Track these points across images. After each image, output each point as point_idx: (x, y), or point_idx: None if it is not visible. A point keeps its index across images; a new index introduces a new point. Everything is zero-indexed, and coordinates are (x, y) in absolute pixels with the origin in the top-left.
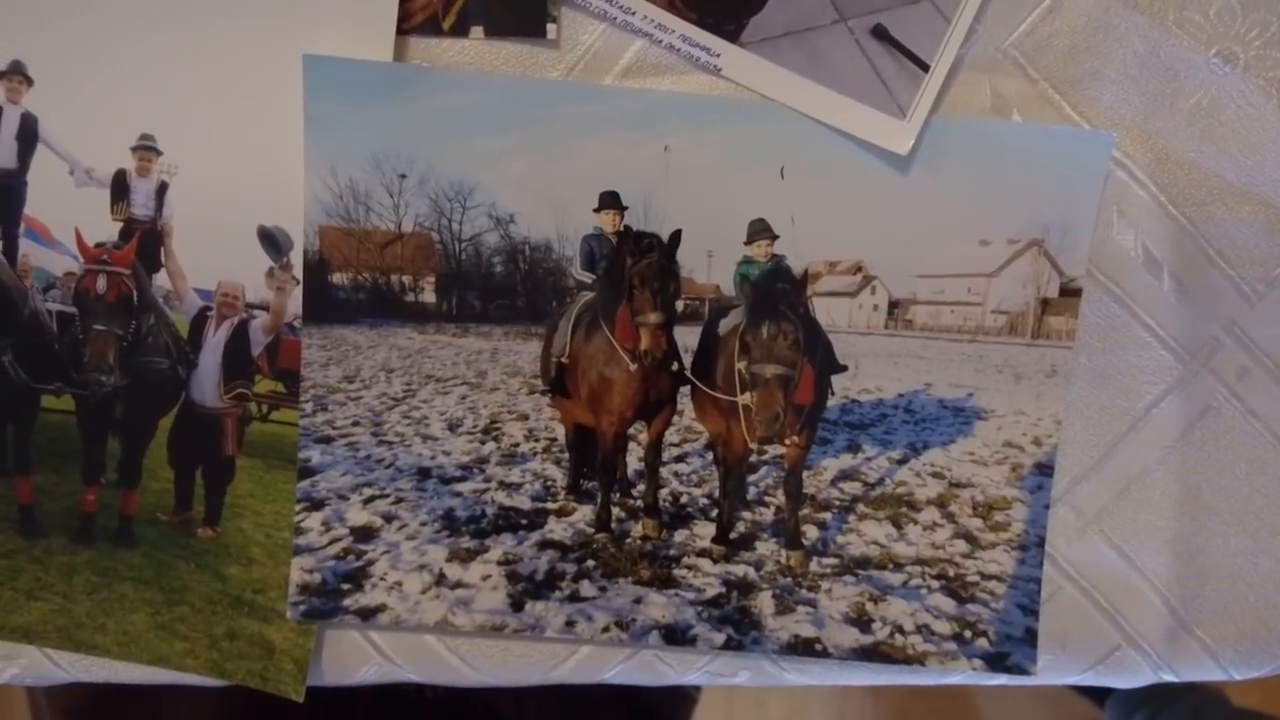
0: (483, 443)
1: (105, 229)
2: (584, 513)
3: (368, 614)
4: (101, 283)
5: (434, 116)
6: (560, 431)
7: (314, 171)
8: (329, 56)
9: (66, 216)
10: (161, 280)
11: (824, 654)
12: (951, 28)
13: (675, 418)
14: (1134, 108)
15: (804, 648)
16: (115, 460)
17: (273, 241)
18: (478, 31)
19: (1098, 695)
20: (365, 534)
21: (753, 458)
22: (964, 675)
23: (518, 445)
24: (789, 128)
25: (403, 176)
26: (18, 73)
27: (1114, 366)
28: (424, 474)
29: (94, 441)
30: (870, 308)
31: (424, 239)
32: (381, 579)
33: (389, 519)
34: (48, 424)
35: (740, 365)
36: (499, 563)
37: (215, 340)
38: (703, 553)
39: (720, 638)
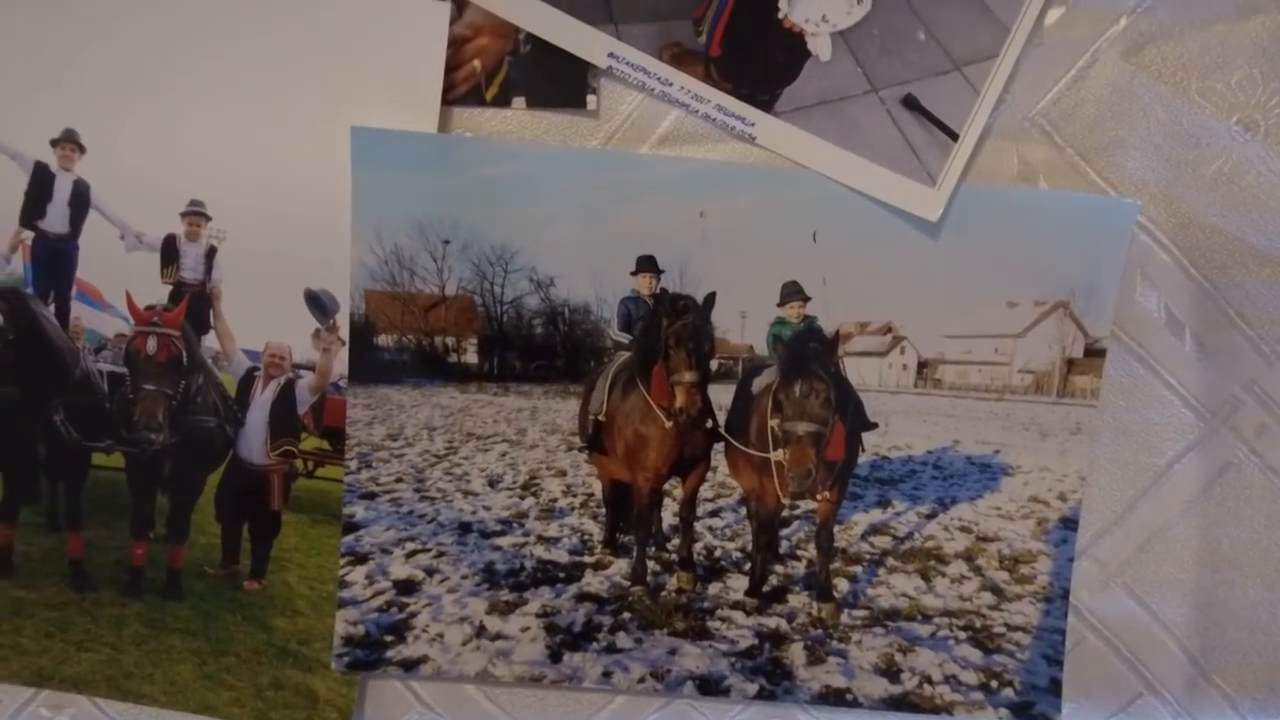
0: (522, 498)
1: (155, 292)
2: (620, 566)
3: (410, 665)
4: (152, 344)
5: (477, 185)
6: (597, 487)
7: (360, 238)
8: (376, 128)
9: (117, 280)
10: (210, 341)
11: (854, 704)
12: (980, 98)
13: (709, 474)
14: (1157, 174)
15: (835, 698)
16: (164, 515)
17: (319, 304)
18: (519, 102)
19: None
20: (408, 587)
21: (785, 512)
22: None
23: (556, 500)
24: (822, 193)
25: (446, 242)
26: (70, 140)
27: (1137, 424)
28: (465, 529)
29: (143, 497)
30: (900, 367)
31: (467, 302)
32: (424, 631)
33: (431, 572)
34: (98, 480)
35: (773, 422)
36: (538, 615)
37: (262, 399)
38: (736, 605)
39: (753, 688)
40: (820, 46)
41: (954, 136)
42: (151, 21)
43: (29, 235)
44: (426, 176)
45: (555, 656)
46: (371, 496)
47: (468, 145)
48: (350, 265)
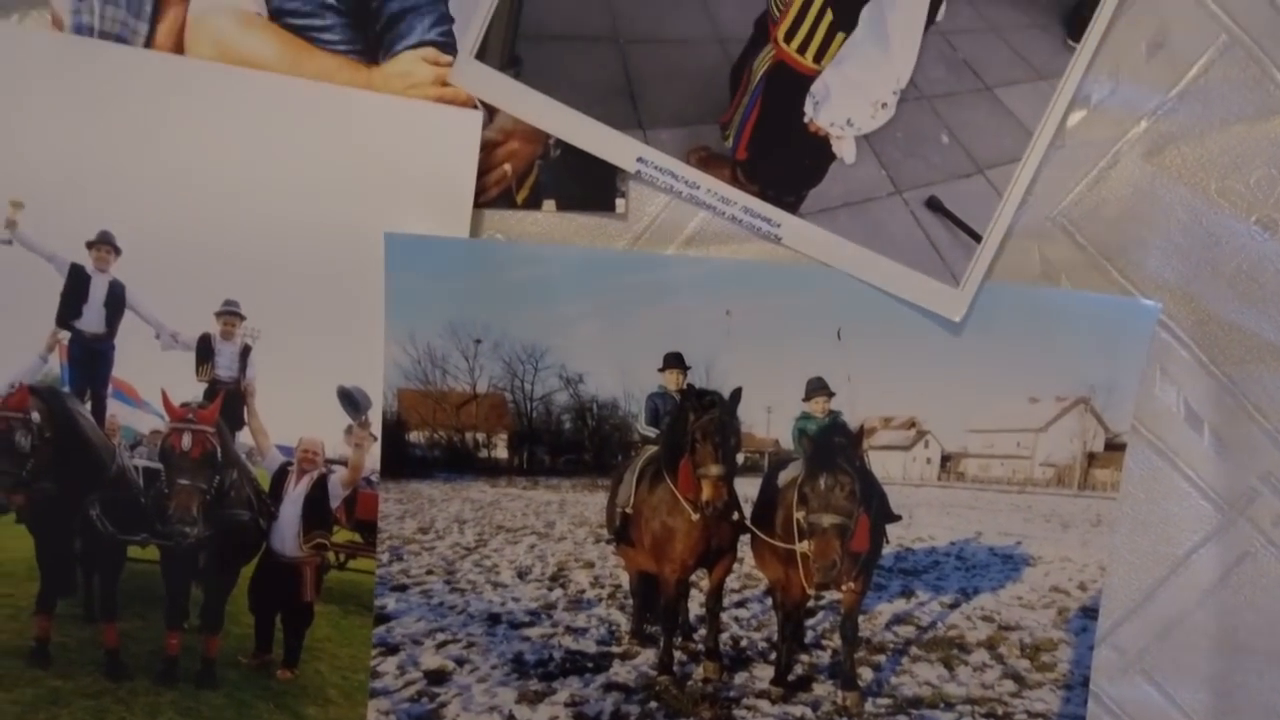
0: (550, 589)
1: (190, 389)
2: (647, 656)
3: None
4: (186, 440)
5: (508, 286)
6: (625, 578)
7: (394, 339)
8: (409, 235)
9: (153, 378)
10: (244, 437)
11: None
12: (1004, 201)
13: (735, 565)
14: (1177, 272)
15: None
16: (198, 606)
17: (352, 401)
18: (549, 205)
19: None
20: (438, 677)
21: (810, 603)
22: None
23: (584, 591)
24: (846, 292)
25: (478, 342)
26: (106, 243)
27: (1156, 515)
28: (494, 619)
29: (178, 589)
30: (924, 461)
31: (497, 399)
32: None
33: (461, 663)
34: (134, 572)
35: (799, 515)
36: (566, 704)
37: (295, 493)
38: (762, 694)
39: None
40: (845, 149)
41: (977, 238)
42: (187, 125)
43: (65, 335)
44: (459, 279)
45: None
46: (403, 588)
47: (499, 249)
48: (383, 365)
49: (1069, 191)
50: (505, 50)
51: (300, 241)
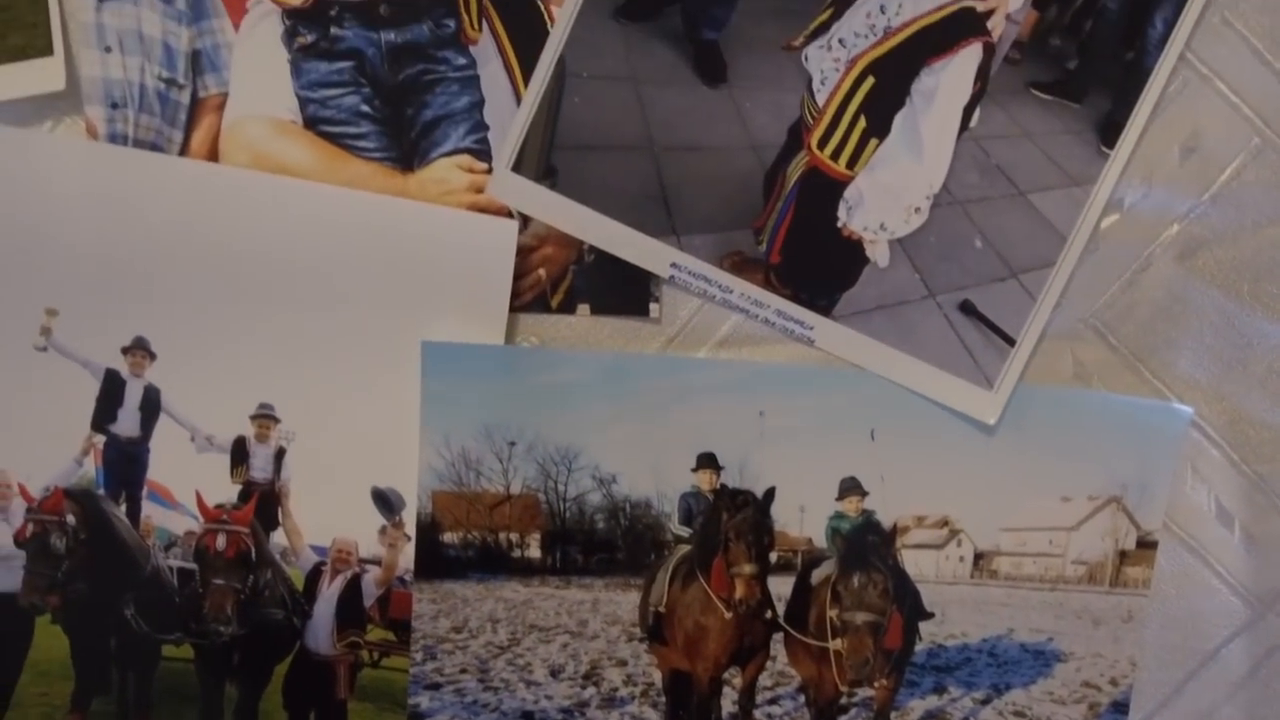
0: (583, 688)
1: (225, 491)
2: None
3: None
4: (221, 540)
5: (542, 390)
6: (658, 676)
7: (429, 443)
8: (446, 343)
9: (188, 480)
10: (279, 537)
11: None
12: (1037, 305)
13: (768, 663)
14: (1209, 372)
15: None
16: (232, 704)
17: (386, 502)
18: (583, 309)
19: None
20: None
21: (843, 700)
22: None
23: (617, 690)
24: (880, 393)
25: (512, 444)
26: (141, 348)
27: (1186, 611)
28: (528, 717)
29: (212, 688)
30: (956, 559)
31: (531, 500)
32: None
33: None
34: (168, 671)
35: (832, 613)
36: None
37: (329, 593)
38: None
39: None
40: (879, 253)
41: (1011, 341)
42: (222, 231)
43: (100, 439)
44: (494, 384)
45: None
46: (436, 687)
47: (533, 355)
48: (418, 468)
49: (1102, 294)
50: (541, 161)
51: (335, 346)
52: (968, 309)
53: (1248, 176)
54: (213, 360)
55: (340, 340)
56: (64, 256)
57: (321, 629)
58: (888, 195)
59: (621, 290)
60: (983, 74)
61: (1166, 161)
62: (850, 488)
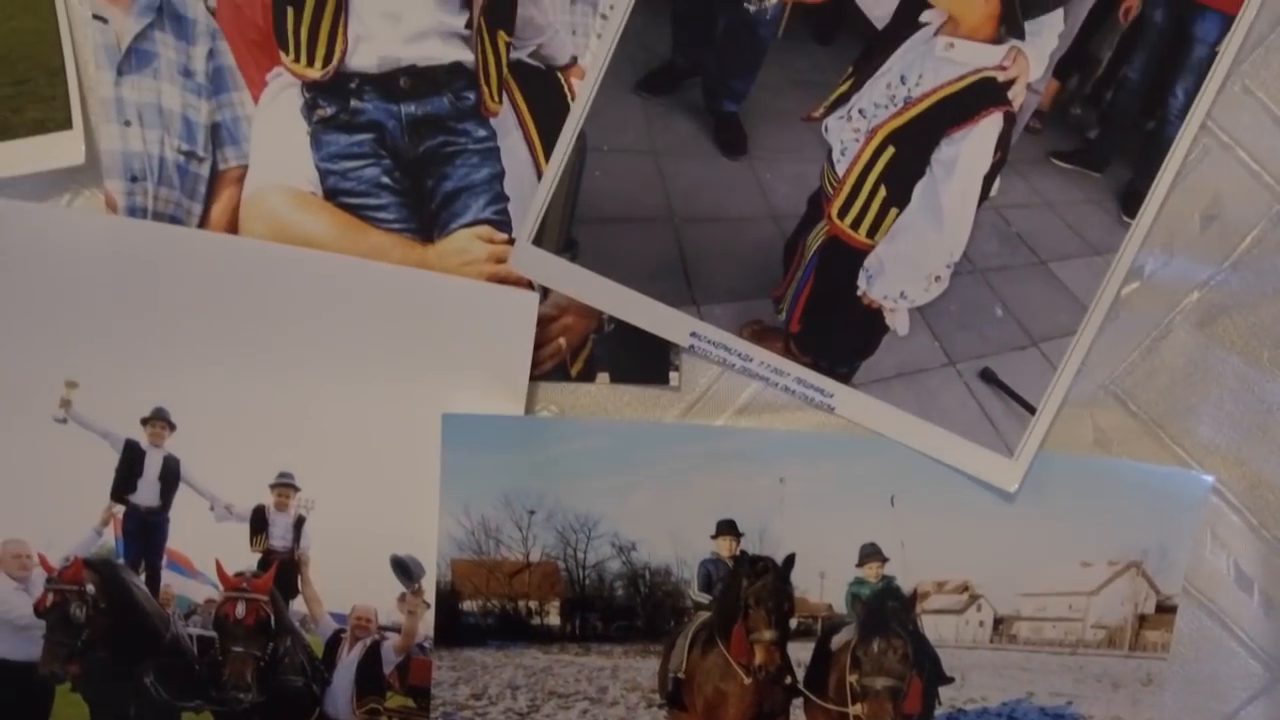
0: None
1: (245, 559)
2: None
3: None
4: (241, 608)
5: (562, 459)
6: None
7: (448, 512)
8: (466, 415)
9: (207, 548)
10: (298, 605)
11: None
12: (1058, 373)
13: None
14: (1228, 438)
15: None
16: None
17: (405, 570)
18: (603, 378)
19: None
20: None
21: None
22: None
23: None
24: (900, 460)
25: (531, 513)
26: (160, 418)
27: (1205, 674)
28: None
29: None
30: (976, 623)
31: (550, 568)
32: None
33: None
34: None
35: (852, 678)
36: None
37: (349, 659)
38: None
39: None
40: (898, 322)
41: (1032, 410)
42: (242, 303)
43: (120, 509)
44: (514, 454)
45: None
46: None
47: (553, 425)
48: (437, 537)
49: (1122, 361)
50: (562, 234)
51: (355, 416)
52: (988, 377)
53: (1269, 243)
54: (232, 430)
55: (360, 410)
56: (84, 329)
57: (341, 696)
58: (908, 264)
59: (641, 359)
60: (1003, 143)
61: (1187, 229)
62: (870, 553)
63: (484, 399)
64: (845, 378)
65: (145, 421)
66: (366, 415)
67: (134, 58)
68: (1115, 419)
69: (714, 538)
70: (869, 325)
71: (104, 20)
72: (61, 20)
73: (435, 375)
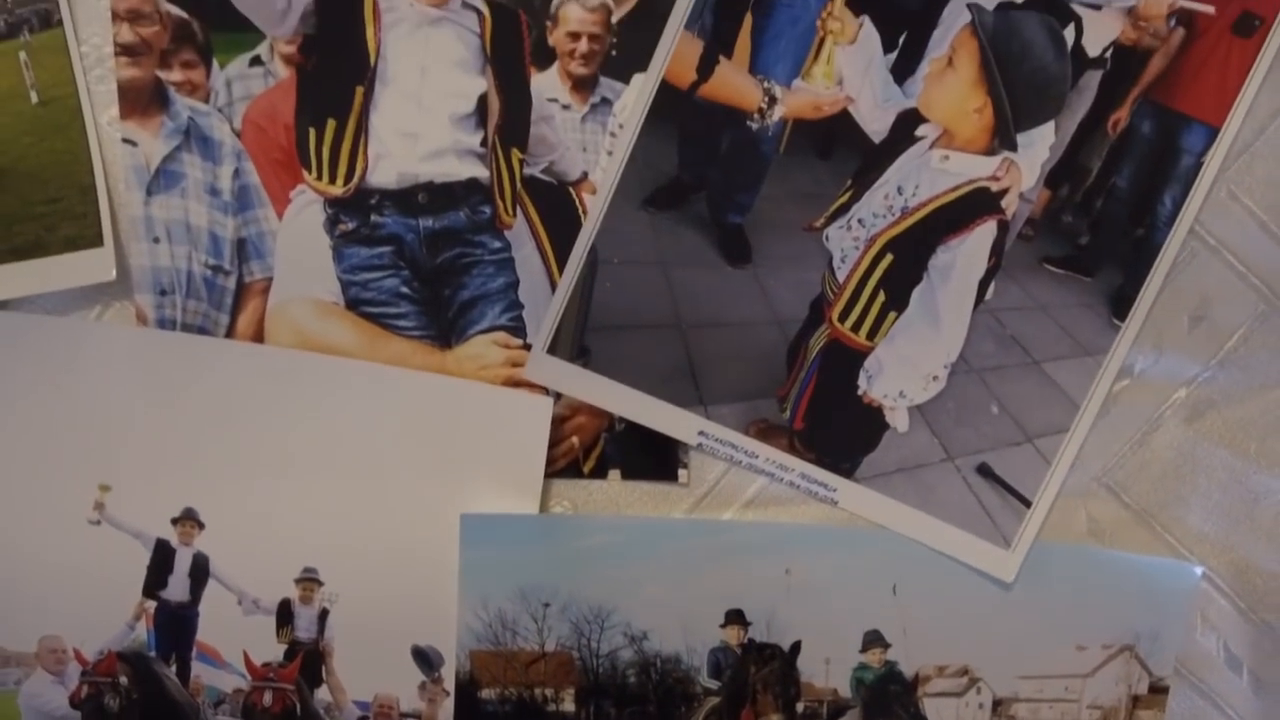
0: None
1: (271, 650)
2: None
3: None
4: (268, 697)
5: (576, 554)
6: None
7: (467, 606)
8: (483, 514)
9: (235, 640)
10: (323, 693)
11: None
12: (1052, 468)
13: None
14: (1217, 526)
15: None
16: None
17: (426, 659)
18: (614, 475)
19: None
20: None
21: None
22: None
23: None
24: (901, 551)
25: (546, 605)
26: (190, 518)
27: None
28: None
29: None
30: (976, 705)
31: (565, 657)
32: None
33: None
34: None
35: None
36: None
37: None
38: None
39: None
40: (898, 419)
41: (1027, 503)
42: (268, 408)
43: (151, 605)
44: (529, 551)
45: None
46: None
47: (567, 522)
48: (456, 628)
49: (1114, 454)
50: (575, 343)
51: (376, 514)
52: (985, 472)
53: (1254, 342)
54: (259, 528)
55: (381, 507)
56: (116, 435)
57: None
58: (906, 365)
59: (651, 457)
60: (997, 250)
61: (1176, 329)
62: (873, 640)
63: (500, 497)
64: (848, 472)
65: (175, 521)
66: (387, 512)
67: (162, 178)
68: (1108, 510)
69: (723, 626)
70: (870, 423)
71: (133, 144)
72: (92, 142)
73: (453, 474)
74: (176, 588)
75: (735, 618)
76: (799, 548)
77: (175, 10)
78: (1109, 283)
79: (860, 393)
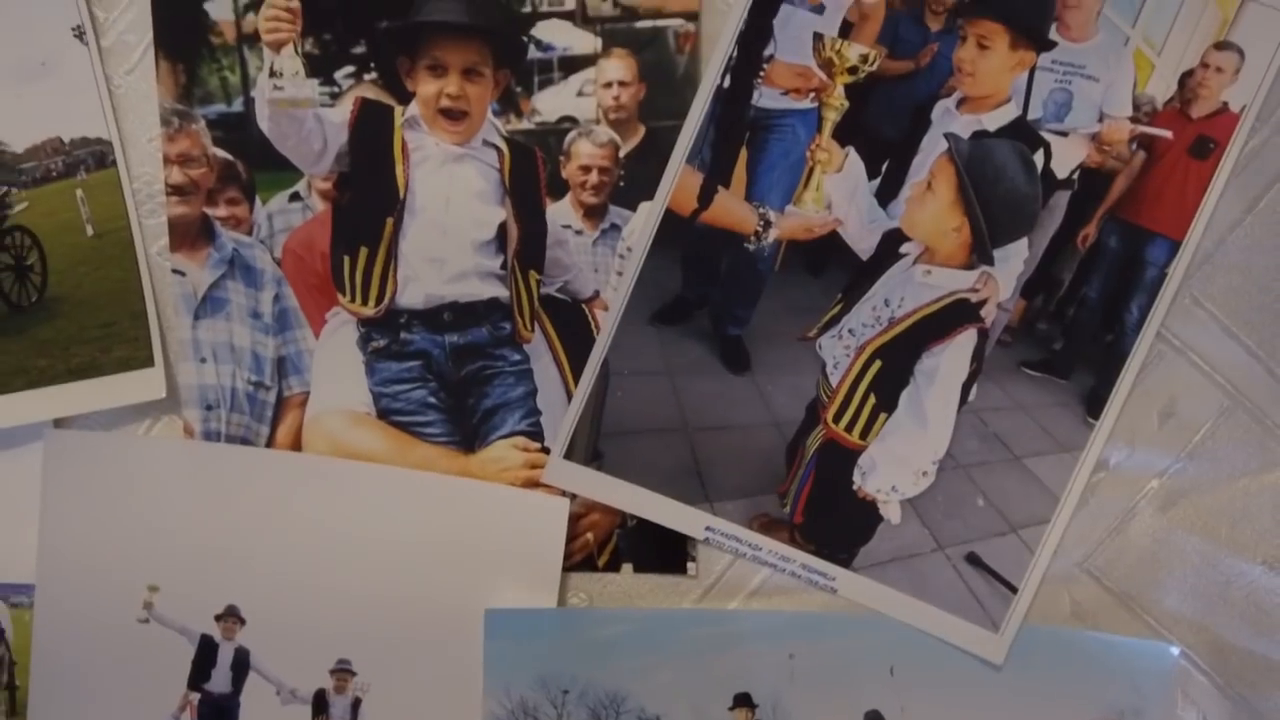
0: None
1: None
2: None
3: None
4: None
5: (592, 644)
6: None
7: (491, 694)
8: (506, 609)
9: None
10: None
11: None
12: (1036, 556)
13: None
14: (1194, 608)
15: None
16: None
17: None
18: (627, 568)
19: None
20: None
21: None
22: None
23: None
24: (898, 635)
25: (565, 692)
26: (232, 615)
27: None
28: None
29: None
30: None
31: None
32: None
33: None
34: None
35: None
36: None
37: None
38: None
39: None
40: (891, 512)
41: (1014, 589)
42: (305, 512)
43: (195, 696)
44: (549, 642)
45: None
46: None
47: (584, 615)
48: (481, 715)
49: (1094, 542)
50: (590, 447)
51: (405, 609)
52: (974, 560)
53: (1220, 435)
54: (296, 623)
55: (410, 602)
56: (165, 539)
57: None
58: (897, 462)
59: (661, 551)
60: (978, 355)
61: (1146, 426)
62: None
63: (521, 591)
64: (846, 562)
65: (219, 618)
66: (416, 606)
67: (209, 304)
68: (1090, 594)
69: (731, 709)
70: (865, 516)
71: (182, 274)
72: (143, 272)
73: (477, 570)
74: (219, 680)
75: (743, 701)
76: (801, 634)
77: (222, 153)
78: (1083, 384)
79: (855, 488)
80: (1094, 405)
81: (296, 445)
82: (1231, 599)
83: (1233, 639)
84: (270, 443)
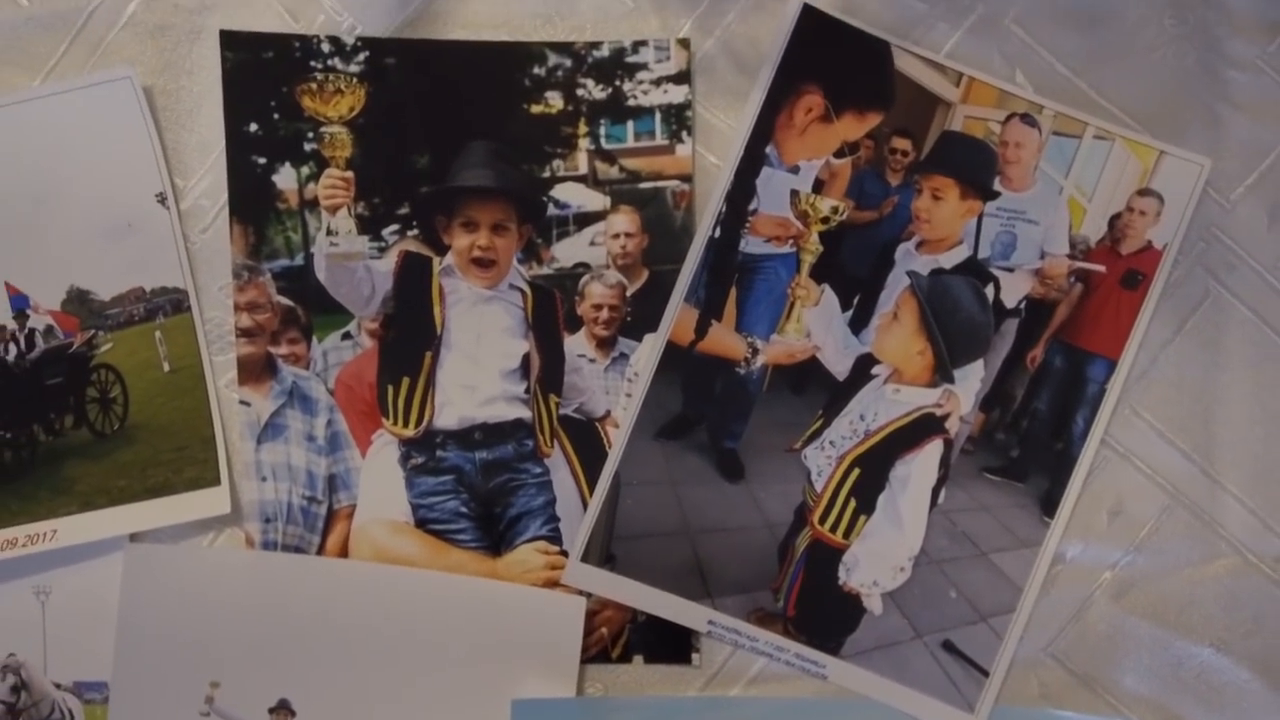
0: None
1: None
2: None
3: None
4: None
5: None
6: None
7: None
8: (530, 699)
9: None
10: None
11: None
12: (1004, 643)
13: None
14: (1150, 687)
15: None
16: None
17: None
18: (638, 659)
19: None
20: None
21: None
22: None
23: None
24: (882, 717)
25: None
26: (284, 707)
27: None
28: None
29: None
30: None
31: None
32: None
33: None
34: None
35: None
36: None
37: None
38: None
39: None
40: (874, 604)
41: (985, 673)
42: (352, 612)
43: None
44: None
45: None
46: None
47: (601, 703)
48: None
49: (1056, 629)
50: (603, 550)
51: (440, 699)
52: (949, 647)
53: (1165, 531)
54: (341, 713)
55: (444, 694)
56: (226, 639)
57: None
58: (878, 559)
59: (669, 644)
60: (945, 462)
61: (1097, 524)
62: None
63: (543, 682)
64: (834, 651)
65: (272, 710)
66: (449, 697)
67: (270, 430)
68: (1055, 676)
69: None
70: (851, 608)
71: (247, 404)
72: (213, 403)
73: (504, 663)
74: None
75: None
76: (797, 718)
77: (284, 300)
78: (1038, 487)
79: (841, 583)
80: (1049, 506)
81: (344, 552)
82: (1183, 678)
83: (1187, 715)
84: (321, 550)
